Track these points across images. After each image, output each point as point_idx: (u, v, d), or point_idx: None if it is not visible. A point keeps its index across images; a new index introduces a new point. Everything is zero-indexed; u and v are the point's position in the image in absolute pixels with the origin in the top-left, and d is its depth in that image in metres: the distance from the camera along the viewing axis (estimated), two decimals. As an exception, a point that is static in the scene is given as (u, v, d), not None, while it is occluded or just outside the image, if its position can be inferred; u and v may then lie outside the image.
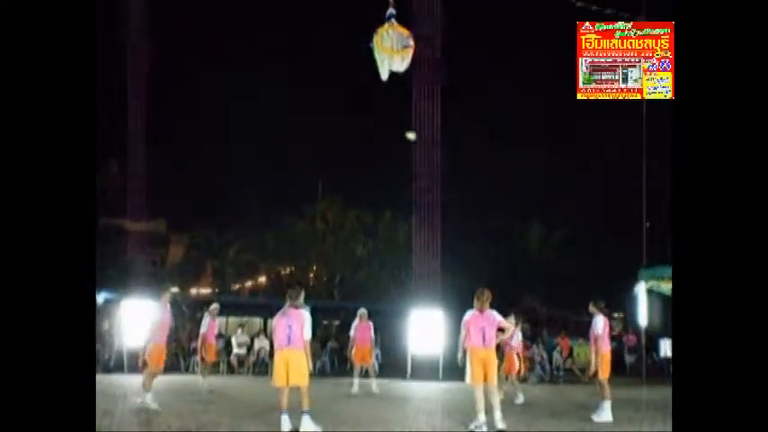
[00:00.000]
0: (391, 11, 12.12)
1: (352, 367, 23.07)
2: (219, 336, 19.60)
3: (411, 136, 13.02)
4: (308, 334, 9.51)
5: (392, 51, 11.77)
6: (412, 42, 12.02)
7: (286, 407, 9.40)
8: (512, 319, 14.90)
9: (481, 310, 10.03)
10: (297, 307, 9.61)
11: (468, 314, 10.12)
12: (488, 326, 10.02)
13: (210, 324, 16.09)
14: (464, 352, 10.10)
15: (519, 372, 14.86)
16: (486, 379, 9.94)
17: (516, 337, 14.80)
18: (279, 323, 9.59)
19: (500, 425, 9.78)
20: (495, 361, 10.19)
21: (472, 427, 9.90)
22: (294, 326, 9.44)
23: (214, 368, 16.65)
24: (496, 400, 9.94)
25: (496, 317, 10.14)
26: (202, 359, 16.29)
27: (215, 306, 16.48)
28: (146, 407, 11.39)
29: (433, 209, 23.31)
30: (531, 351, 23.13)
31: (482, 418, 9.84)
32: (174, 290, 36.26)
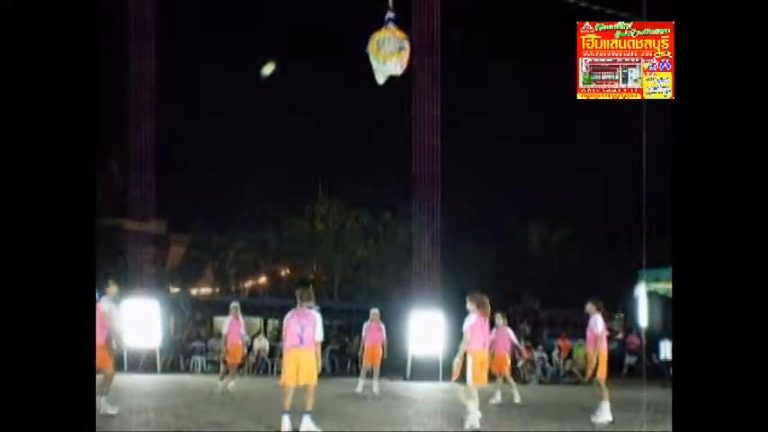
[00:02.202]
0: (390, 15, 12.06)
1: (352, 368, 23.17)
2: (220, 335, 19.07)
3: (267, 70, 12.23)
4: (319, 335, 9.62)
5: (387, 56, 11.74)
6: (407, 45, 11.97)
7: (289, 407, 9.39)
8: (499, 318, 14.99)
9: (484, 316, 10.24)
10: (309, 307, 9.64)
11: (472, 319, 10.23)
12: (487, 329, 10.51)
13: (232, 323, 15.38)
14: (464, 357, 10.21)
15: (509, 370, 14.89)
16: (481, 379, 10.32)
17: (507, 337, 14.86)
18: (291, 323, 9.57)
19: (477, 425, 10.12)
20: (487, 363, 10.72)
21: (466, 426, 10.02)
22: (307, 326, 9.47)
23: (227, 369, 15.85)
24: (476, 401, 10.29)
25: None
26: (224, 361, 15.73)
27: (235, 304, 15.77)
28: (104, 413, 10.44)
29: (432, 209, 23.33)
30: (531, 352, 23.17)
31: (477, 415, 10.13)
32: (175, 290, 36.29)
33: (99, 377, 10.22)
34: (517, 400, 13.97)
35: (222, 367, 16.08)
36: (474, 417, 10.10)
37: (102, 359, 10.37)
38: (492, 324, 15.14)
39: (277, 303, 27.59)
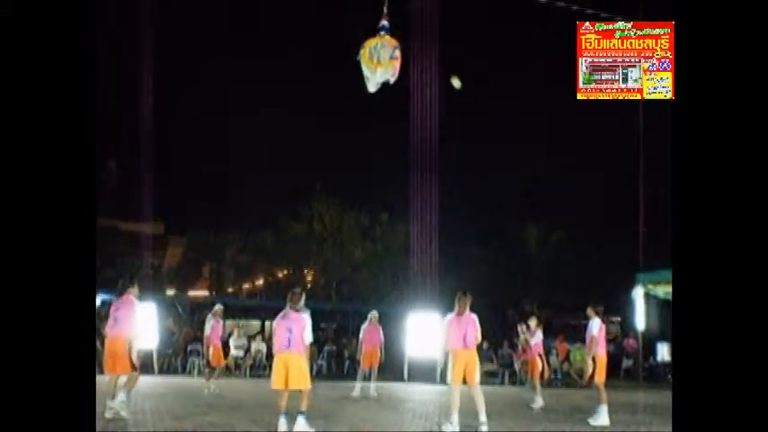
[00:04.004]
0: (384, 23, 12.03)
1: (349, 370, 23.14)
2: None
3: (456, 83, 12.36)
4: (308, 338, 9.47)
5: (378, 64, 11.72)
6: (398, 53, 11.96)
7: (284, 409, 9.37)
8: (533, 320, 14.95)
9: (461, 313, 10.18)
10: (297, 310, 9.54)
11: (449, 316, 10.22)
12: (469, 328, 10.19)
13: (215, 326, 15.65)
14: (446, 354, 10.16)
15: (542, 374, 14.74)
16: (466, 380, 10.05)
17: (538, 339, 14.77)
18: (279, 326, 9.51)
19: (484, 427, 9.87)
20: (476, 362, 10.36)
21: (443, 428, 9.97)
22: (294, 329, 9.36)
23: (212, 371, 16.06)
24: (481, 401, 10.06)
25: (476, 319, 10.26)
26: (208, 363, 15.90)
27: (218, 307, 16.06)
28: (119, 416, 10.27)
29: (430, 211, 23.36)
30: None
31: (455, 419, 9.96)
32: (172, 291, 36.26)
33: (123, 378, 10.52)
34: (538, 405, 13.84)
35: (207, 370, 16.17)
36: (451, 422, 9.96)
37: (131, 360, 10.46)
38: (527, 327, 15.24)
39: (275, 305, 27.57)
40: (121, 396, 10.39)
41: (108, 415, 10.10)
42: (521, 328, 15.82)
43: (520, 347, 23.18)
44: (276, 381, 9.39)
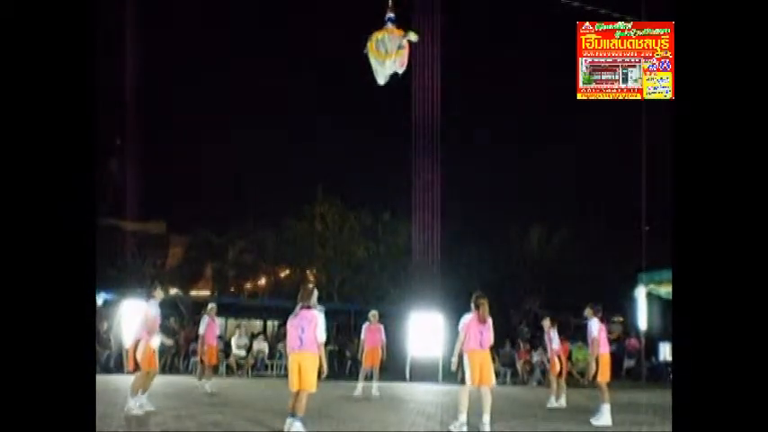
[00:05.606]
0: (390, 15, 12.03)
1: (351, 369, 23.13)
2: (219, 337, 19.28)
3: (413, 37, 12.43)
4: (321, 335, 9.23)
5: (386, 56, 11.72)
6: (405, 44, 11.96)
7: (293, 410, 9.29)
8: (547, 321, 14.92)
9: (482, 317, 10.13)
10: (309, 307, 9.30)
11: (467, 318, 10.15)
12: (485, 329, 10.15)
13: (209, 324, 15.75)
14: (460, 356, 10.10)
15: (560, 374, 14.66)
16: (481, 380, 10.00)
17: (555, 340, 14.72)
18: (291, 326, 9.28)
19: (486, 428, 9.81)
20: (490, 362, 10.35)
21: (451, 427, 9.93)
22: (306, 328, 9.13)
23: (213, 370, 16.27)
24: (488, 402, 10.01)
25: (491, 323, 10.24)
26: (201, 361, 15.99)
27: (212, 306, 16.16)
28: (144, 410, 11.06)
29: (432, 211, 23.36)
30: (530, 354, 23.15)
31: (463, 419, 9.92)
32: (174, 291, 36.27)
33: (141, 376, 11.25)
34: (550, 405, 13.81)
35: (199, 368, 16.26)
36: (459, 421, 9.93)
37: (151, 360, 11.32)
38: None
39: (276, 305, 27.60)
40: (141, 397, 11.19)
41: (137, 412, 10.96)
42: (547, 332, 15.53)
43: (522, 347, 23.27)
44: (291, 382, 9.20)
